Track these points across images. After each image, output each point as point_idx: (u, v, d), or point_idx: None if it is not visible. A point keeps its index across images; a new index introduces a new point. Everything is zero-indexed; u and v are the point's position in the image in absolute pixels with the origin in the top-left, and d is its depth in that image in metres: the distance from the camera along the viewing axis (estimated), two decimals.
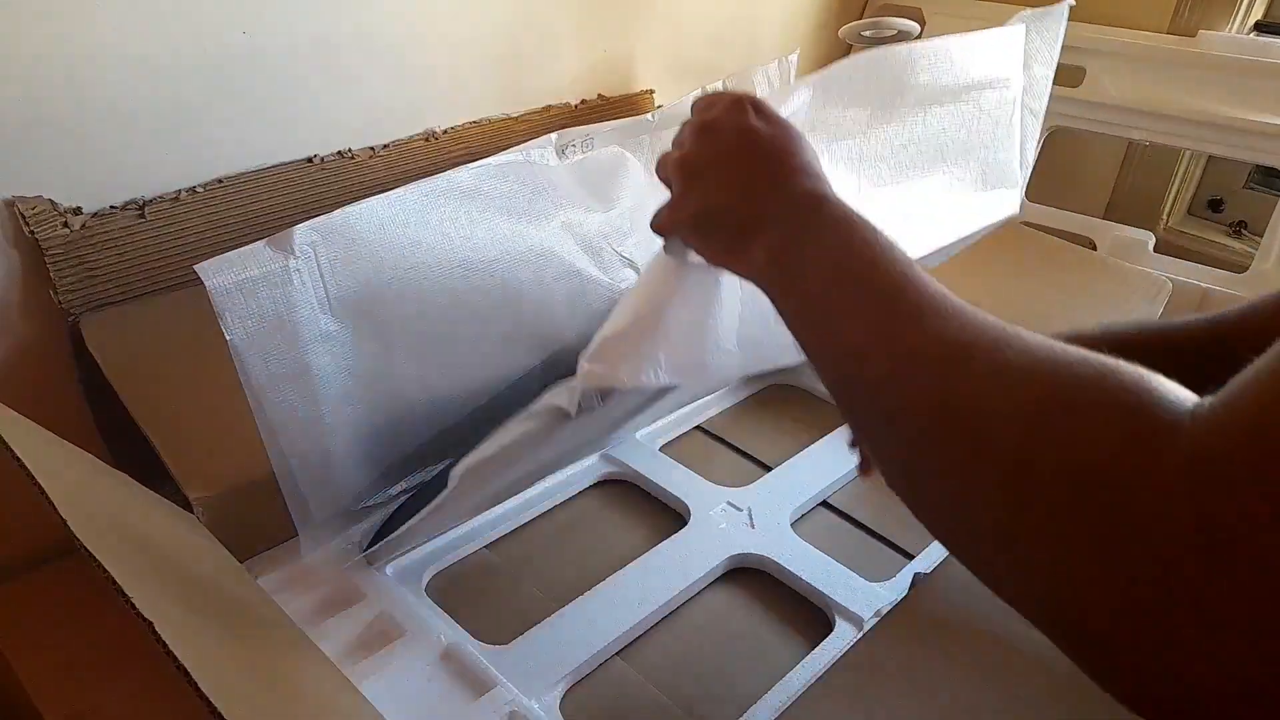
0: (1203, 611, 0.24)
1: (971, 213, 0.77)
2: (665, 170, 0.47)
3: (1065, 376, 0.29)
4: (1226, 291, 1.05)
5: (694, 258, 0.48)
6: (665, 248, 0.49)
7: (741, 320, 0.54)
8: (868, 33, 1.06)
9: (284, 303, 0.52)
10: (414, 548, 0.67)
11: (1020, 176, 0.83)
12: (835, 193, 0.42)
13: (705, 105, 0.46)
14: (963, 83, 0.70)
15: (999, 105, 0.74)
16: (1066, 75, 1.22)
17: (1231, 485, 0.24)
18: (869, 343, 0.36)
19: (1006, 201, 0.81)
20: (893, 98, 0.64)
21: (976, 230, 0.79)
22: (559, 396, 0.49)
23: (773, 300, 0.42)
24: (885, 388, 0.34)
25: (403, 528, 0.61)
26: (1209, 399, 0.27)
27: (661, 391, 0.63)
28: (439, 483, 0.56)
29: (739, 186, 0.43)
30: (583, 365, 0.48)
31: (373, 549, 0.64)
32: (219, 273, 0.49)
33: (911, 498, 0.34)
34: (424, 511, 0.57)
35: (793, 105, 0.57)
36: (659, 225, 0.48)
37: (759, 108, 0.45)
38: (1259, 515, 0.24)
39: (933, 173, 0.71)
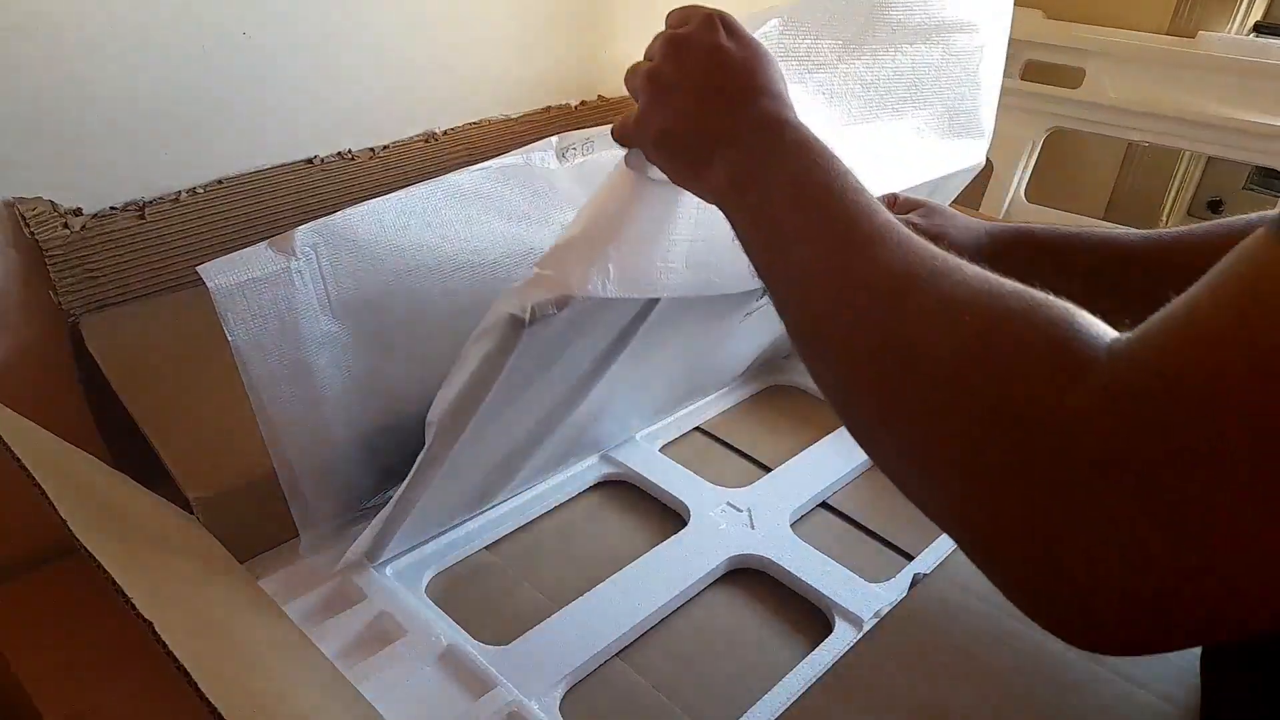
0: (1094, 529, 0.26)
1: (938, 159, 0.78)
2: (634, 81, 0.48)
3: (998, 309, 0.31)
4: None
5: (654, 173, 0.49)
6: (626, 159, 0.50)
7: (693, 241, 0.55)
8: None
9: (285, 304, 0.53)
10: (414, 547, 0.67)
11: (987, 126, 0.82)
12: (797, 118, 0.43)
13: (679, 19, 0.47)
14: (933, 23, 0.70)
15: (968, 50, 0.75)
16: (1066, 76, 1.22)
17: (1135, 422, 0.26)
18: (820, 268, 0.37)
19: (973, 150, 0.82)
20: (864, 33, 0.64)
21: (942, 175, 0.79)
22: (509, 303, 0.49)
23: (731, 221, 0.43)
24: (832, 312, 0.36)
25: (393, 511, 0.60)
26: (1125, 335, 0.28)
27: (624, 337, 0.62)
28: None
29: (705, 105, 0.44)
30: (534, 270, 0.49)
31: (372, 549, 0.64)
32: (221, 274, 0.50)
33: (846, 413, 0.36)
34: (410, 482, 0.57)
35: (764, 29, 0.57)
36: (621, 135, 0.49)
37: (730, 27, 0.46)
38: (1155, 453, 0.25)
39: (901, 115, 0.71)
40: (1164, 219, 1.31)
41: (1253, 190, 1.28)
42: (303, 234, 0.52)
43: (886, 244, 0.36)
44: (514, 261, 0.63)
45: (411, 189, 0.58)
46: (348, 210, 0.55)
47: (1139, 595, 0.26)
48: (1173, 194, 1.30)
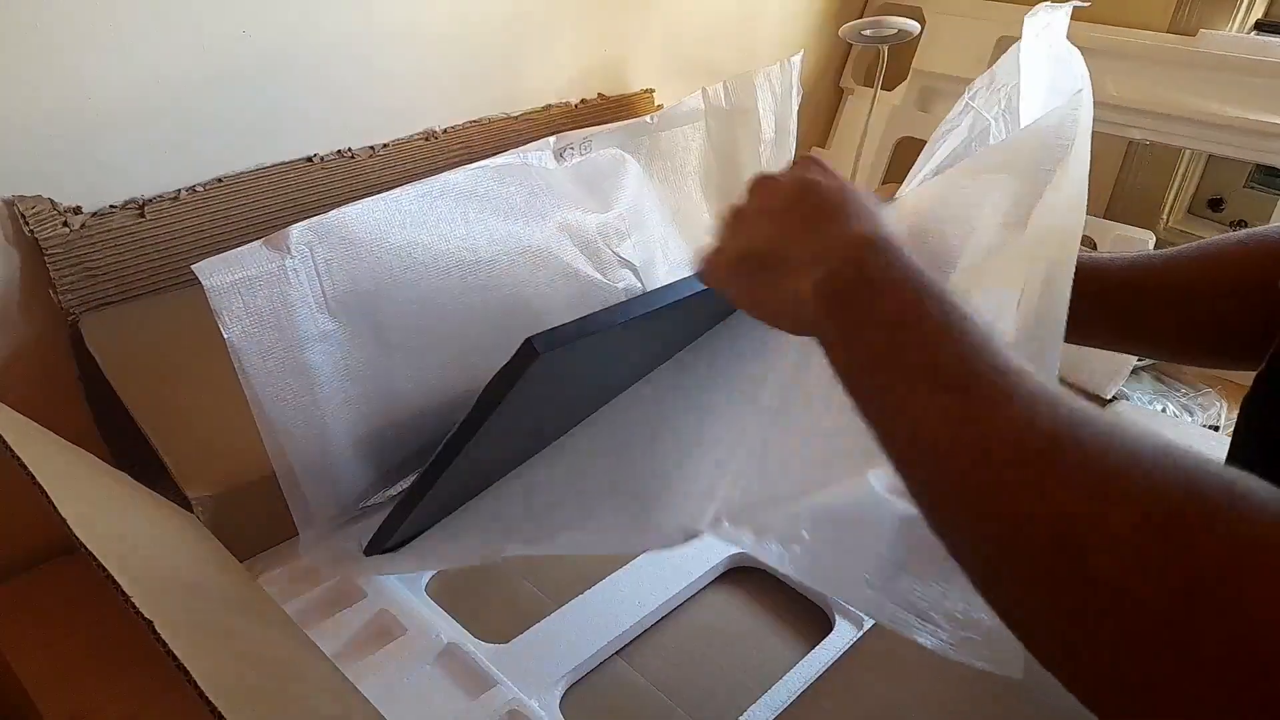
0: None
1: None
2: (718, 221, 0.45)
3: (1158, 486, 0.27)
4: None
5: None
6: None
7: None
8: (868, 32, 1.06)
9: (281, 302, 0.53)
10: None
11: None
12: (895, 233, 0.38)
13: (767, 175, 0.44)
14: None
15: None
16: None
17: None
18: (939, 426, 0.31)
19: None
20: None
21: None
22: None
23: (826, 350, 0.38)
24: (959, 483, 0.31)
25: (399, 532, 0.60)
26: None
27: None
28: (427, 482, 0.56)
29: (789, 227, 0.40)
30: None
31: (373, 552, 0.64)
32: (216, 272, 0.50)
33: (995, 601, 0.31)
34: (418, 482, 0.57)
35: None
36: (699, 271, 0.45)
37: (822, 165, 0.43)
38: None
39: None
40: (1164, 217, 1.31)
41: (1254, 188, 1.28)
42: (298, 231, 0.52)
43: (1021, 398, 0.30)
44: (510, 260, 0.63)
45: (407, 188, 0.58)
46: (343, 208, 0.55)
47: None
48: (1173, 192, 1.30)
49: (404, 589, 0.63)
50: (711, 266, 0.44)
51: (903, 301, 0.35)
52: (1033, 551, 0.28)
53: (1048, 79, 0.65)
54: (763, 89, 0.93)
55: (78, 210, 0.65)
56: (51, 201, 0.64)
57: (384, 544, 0.62)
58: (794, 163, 0.44)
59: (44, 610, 0.62)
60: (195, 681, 0.35)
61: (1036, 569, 0.28)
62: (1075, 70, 0.63)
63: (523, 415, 0.54)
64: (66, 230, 0.65)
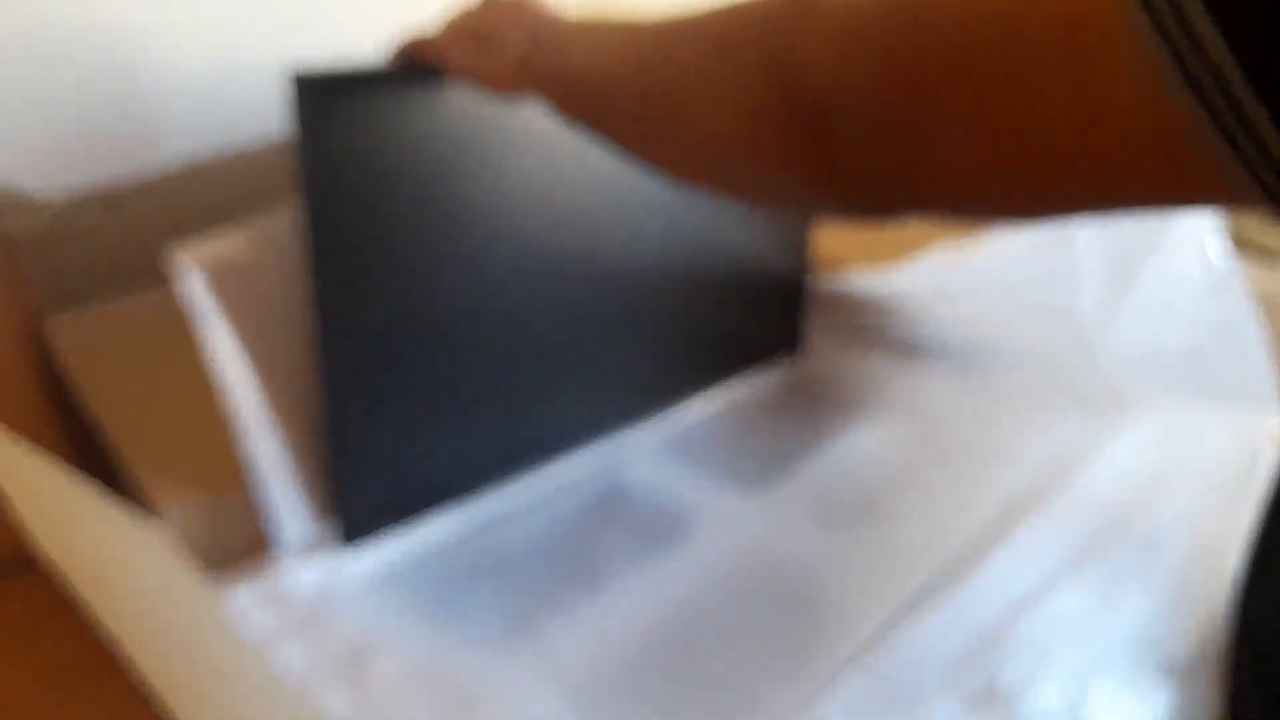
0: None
1: None
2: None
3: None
4: None
5: None
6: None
7: None
8: None
9: (259, 298, 0.52)
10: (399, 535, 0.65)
11: None
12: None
13: None
14: None
15: None
16: None
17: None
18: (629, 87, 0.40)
19: None
20: None
21: None
22: None
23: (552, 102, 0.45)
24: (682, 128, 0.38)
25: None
26: None
27: None
28: None
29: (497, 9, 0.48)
30: None
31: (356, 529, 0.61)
32: (187, 264, 0.49)
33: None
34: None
35: None
36: (411, 48, 0.51)
37: None
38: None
39: None
40: None
41: None
42: (273, 221, 0.52)
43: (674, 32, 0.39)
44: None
45: None
46: None
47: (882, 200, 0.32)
48: None
49: (393, 592, 0.61)
50: (426, 43, 0.50)
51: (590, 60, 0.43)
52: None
53: None
54: None
55: (46, 203, 0.63)
56: (19, 193, 0.62)
57: (354, 500, 0.59)
58: None
59: (11, 625, 0.60)
60: (162, 700, 0.33)
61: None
62: None
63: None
64: (34, 223, 0.63)
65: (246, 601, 0.60)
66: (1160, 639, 0.60)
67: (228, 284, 0.50)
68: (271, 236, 0.52)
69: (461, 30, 0.49)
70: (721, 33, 0.35)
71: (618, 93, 0.40)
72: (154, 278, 0.68)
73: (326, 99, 0.48)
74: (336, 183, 0.49)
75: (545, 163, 0.59)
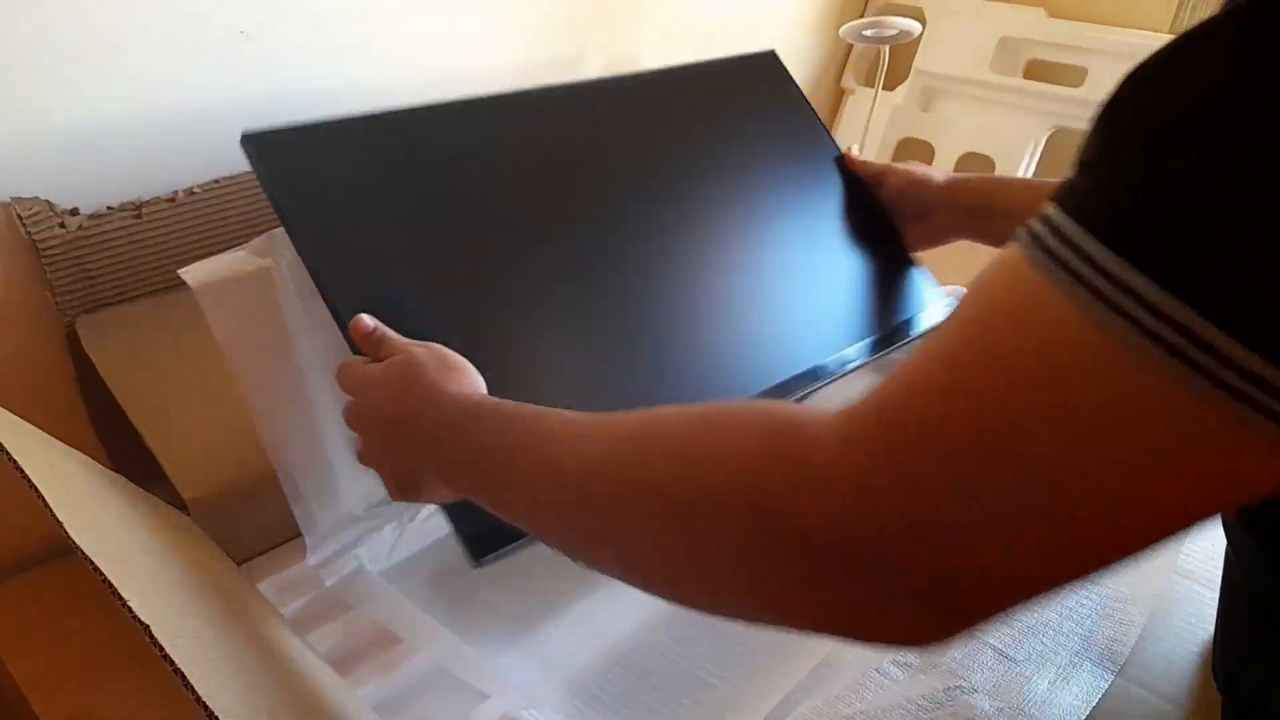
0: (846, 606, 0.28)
1: None
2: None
3: (710, 414, 0.32)
4: None
5: None
6: None
7: None
8: (869, 32, 1.06)
9: (268, 304, 0.53)
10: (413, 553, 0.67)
11: None
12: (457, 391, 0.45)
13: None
14: None
15: None
16: (1068, 75, 1.22)
17: (863, 501, 0.26)
18: (544, 498, 0.38)
19: None
20: None
21: None
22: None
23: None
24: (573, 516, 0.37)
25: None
26: (844, 407, 0.29)
27: None
28: None
29: (383, 431, 0.47)
30: None
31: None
32: (202, 276, 0.50)
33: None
34: None
35: None
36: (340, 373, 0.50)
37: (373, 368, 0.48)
38: (886, 527, 0.26)
39: None
40: None
41: None
42: (279, 235, 0.53)
43: (582, 434, 0.36)
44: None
45: None
46: None
47: (952, 618, 0.27)
48: None
49: (402, 592, 0.63)
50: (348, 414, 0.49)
51: (481, 465, 0.41)
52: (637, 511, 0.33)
53: None
54: None
55: (75, 212, 0.65)
56: (49, 203, 0.64)
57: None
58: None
59: (40, 613, 0.62)
60: (192, 685, 0.35)
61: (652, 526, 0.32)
62: None
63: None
64: (64, 232, 0.64)
65: (270, 591, 0.62)
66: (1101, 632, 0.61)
67: (223, 299, 0.51)
68: (265, 254, 0.53)
69: (374, 421, 0.48)
70: (690, 471, 0.31)
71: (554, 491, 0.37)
72: (177, 280, 0.70)
73: (272, 149, 0.53)
74: (306, 213, 0.52)
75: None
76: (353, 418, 0.48)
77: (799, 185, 0.75)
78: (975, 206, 0.70)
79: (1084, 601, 0.63)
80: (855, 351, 0.68)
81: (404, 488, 0.46)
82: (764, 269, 0.67)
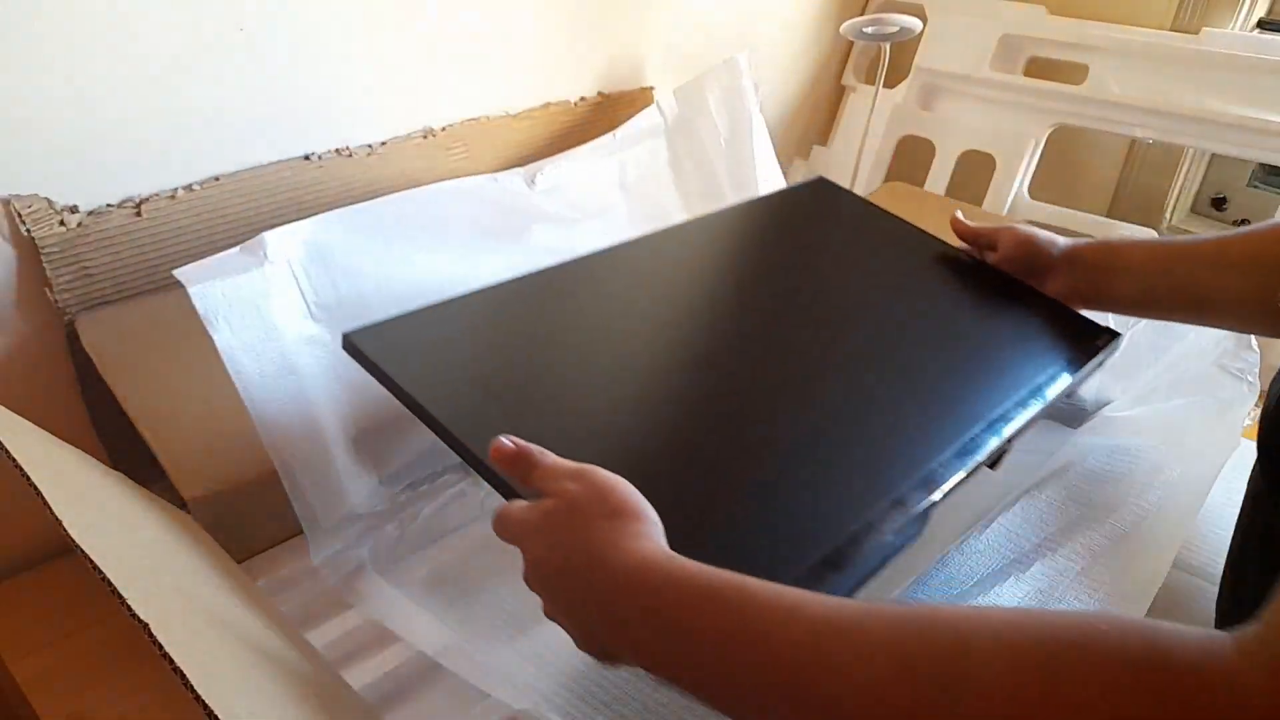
0: None
1: None
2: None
3: (1045, 640, 0.27)
4: None
5: None
6: None
7: None
8: (869, 29, 1.06)
9: (263, 305, 0.53)
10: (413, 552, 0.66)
11: None
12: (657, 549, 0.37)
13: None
14: None
15: None
16: (1070, 72, 1.22)
17: None
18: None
19: None
20: None
21: None
22: None
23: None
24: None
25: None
26: (1242, 631, 0.25)
27: None
28: None
29: (562, 579, 0.40)
30: None
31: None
32: (198, 277, 0.50)
33: None
34: None
35: None
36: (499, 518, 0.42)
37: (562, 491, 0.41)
38: None
39: None
40: (1168, 216, 1.31)
41: (1256, 187, 1.28)
42: (271, 238, 0.53)
43: (854, 648, 0.30)
44: (491, 271, 0.63)
45: (381, 200, 0.58)
46: (316, 217, 0.55)
47: None
48: (1176, 191, 1.30)
49: (402, 591, 0.63)
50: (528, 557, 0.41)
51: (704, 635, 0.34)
52: None
53: None
54: (711, 92, 0.94)
55: (74, 209, 0.65)
56: (48, 200, 0.64)
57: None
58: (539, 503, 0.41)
59: (41, 611, 0.62)
60: (191, 685, 0.34)
61: None
62: None
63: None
64: (63, 229, 0.64)
65: (270, 589, 0.62)
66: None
67: (220, 299, 0.51)
68: (261, 253, 0.53)
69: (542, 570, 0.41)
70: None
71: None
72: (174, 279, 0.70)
73: (370, 340, 0.50)
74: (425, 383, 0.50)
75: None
76: (525, 573, 0.42)
77: (914, 278, 0.72)
78: (1100, 264, 0.67)
79: (1084, 601, 0.63)
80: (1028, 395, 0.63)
81: (596, 653, 0.41)
82: (916, 360, 0.64)
